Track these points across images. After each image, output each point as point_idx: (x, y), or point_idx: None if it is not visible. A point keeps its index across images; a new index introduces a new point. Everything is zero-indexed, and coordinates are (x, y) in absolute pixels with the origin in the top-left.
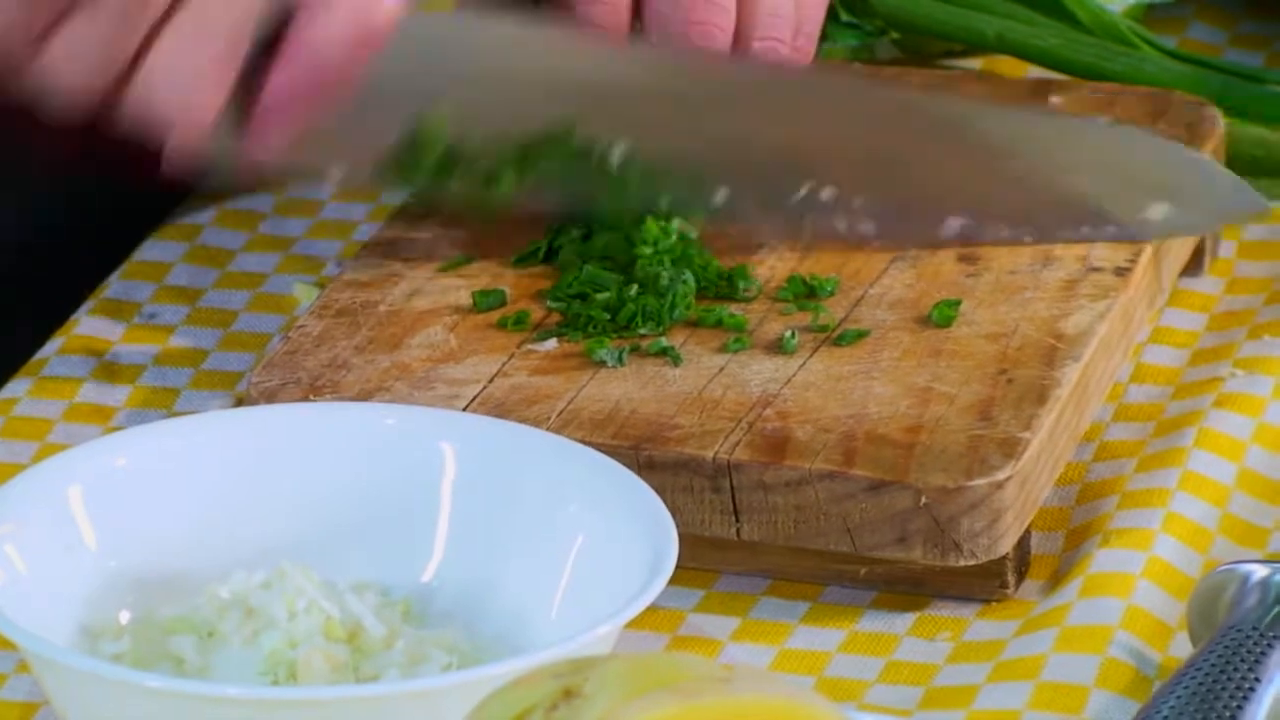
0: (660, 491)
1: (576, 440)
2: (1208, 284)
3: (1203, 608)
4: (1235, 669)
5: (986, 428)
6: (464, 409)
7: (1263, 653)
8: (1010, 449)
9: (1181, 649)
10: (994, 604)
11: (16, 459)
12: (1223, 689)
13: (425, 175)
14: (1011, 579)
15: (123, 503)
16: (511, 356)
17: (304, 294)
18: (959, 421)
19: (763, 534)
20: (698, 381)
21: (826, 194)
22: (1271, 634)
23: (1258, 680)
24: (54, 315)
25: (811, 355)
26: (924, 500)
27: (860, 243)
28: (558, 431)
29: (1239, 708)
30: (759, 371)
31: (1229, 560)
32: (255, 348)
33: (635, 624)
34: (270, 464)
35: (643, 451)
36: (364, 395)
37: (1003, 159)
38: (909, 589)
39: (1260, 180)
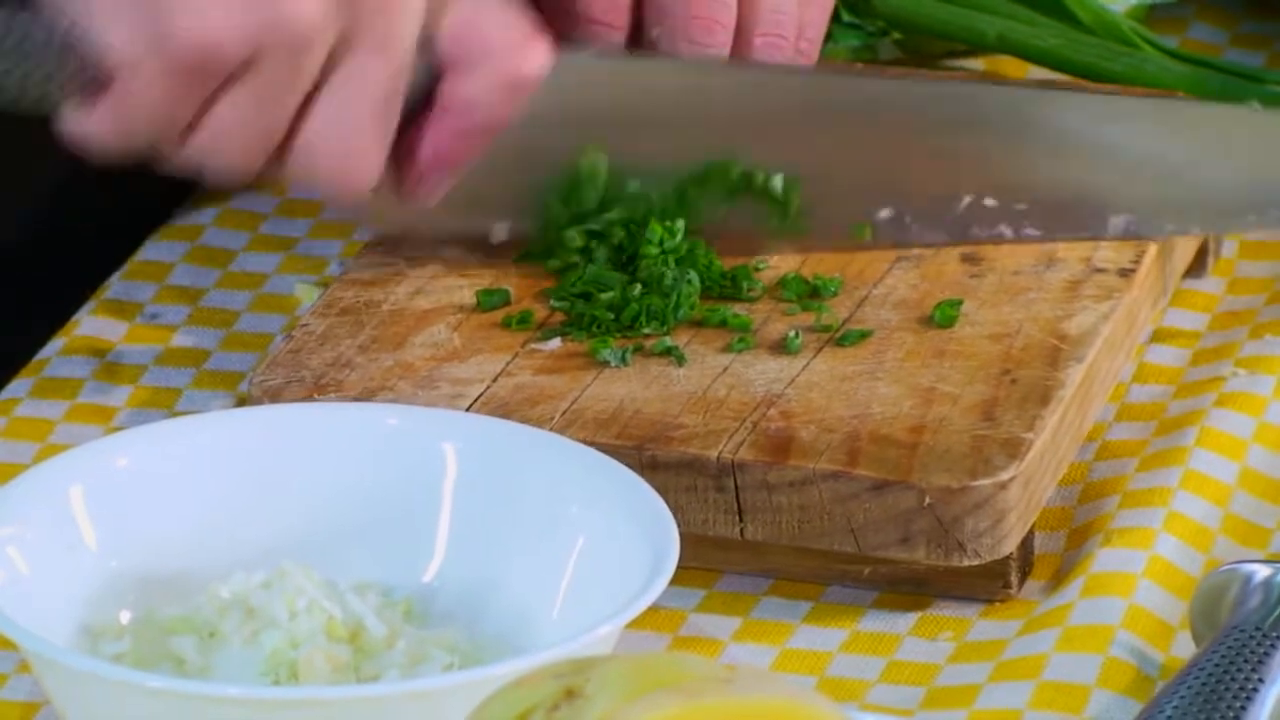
0: (664, 491)
1: (580, 440)
2: (1210, 284)
3: (1205, 608)
4: (1239, 669)
5: (990, 428)
6: (468, 408)
7: (1266, 653)
8: (1014, 449)
9: (1183, 649)
10: (996, 604)
11: (18, 459)
12: (1226, 689)
13: (586, 217)
14: (1015, 579)
15: (124, 503)
16: (515, 356)
17: (305, 294)
18: (962, 422)
19: (766, 534)
20: (702, 381)
21: (990, 202)
22: (1275, 634)
23: (1261, 681)
24: (55, 315)
25: (815, 355)
26: (928, 500)
27: (1024, 242)
28: (561, 431)
29: (1242, 708)
30: (763, 371)
31: (1231, 560)
32: (257, 348)
33: (636, 624)
34: (271, 464)
35: (646, 451)
36: (367, 394)
37: (1161, 148)
38: (912, 589)
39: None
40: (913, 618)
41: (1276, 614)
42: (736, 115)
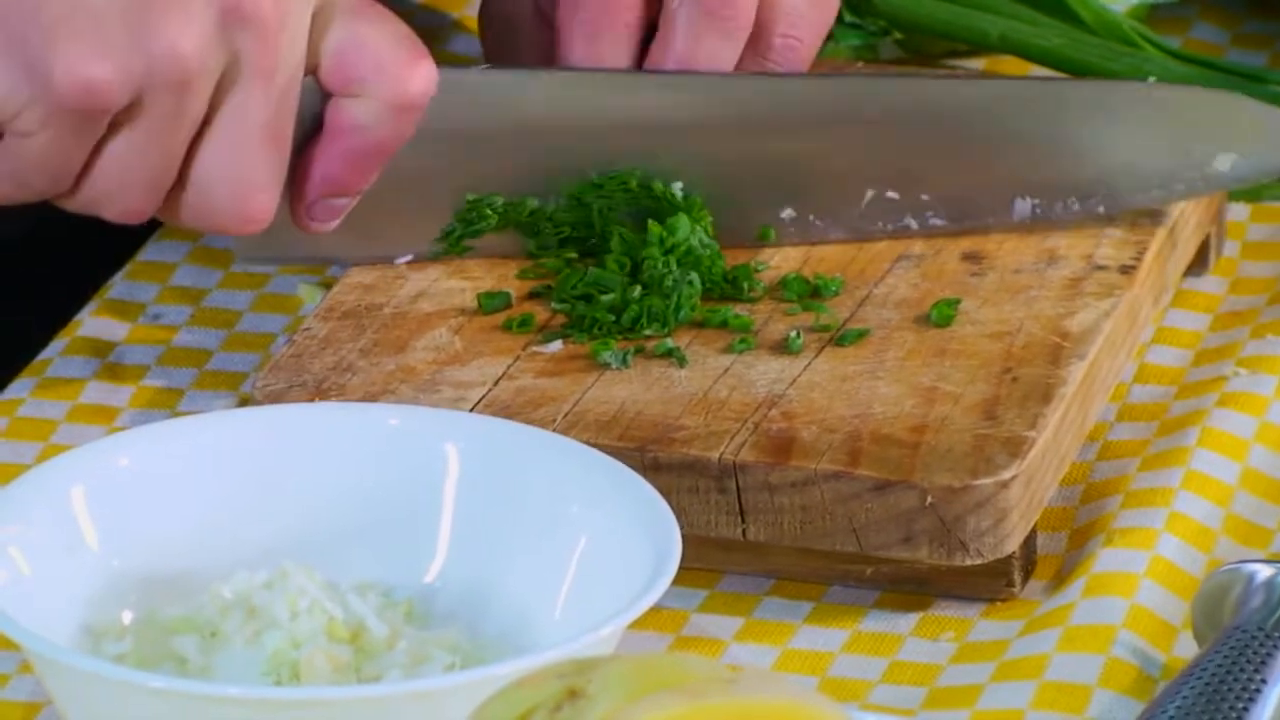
0: (666, 493)
1: (582, 442)
2: (1211, 284)
3: (1208, 608)
4: (1241, 670)
5: (992, 427)
6: (469, 411)
7: (1269, 653)
8: (1016, 448)
9: (1185, 649)
10: (997, 604)
11: (20, 459)
12: (1229, 690)
13: (488, 234)
14: (1018, 578)
15: (126, 503)
16: (517, 359)
17: (308, 294)
18: (964, 421)
19: (769, 534)
20: (703, 382)
21: (891, 194)
22: (1278, 635)
23: (1264, 681)
24: (58, 315)
25: (817, 356)
26: (929, 500)
27: (931, 234)
28: (563, 433)
29: (1245, 709)
30: (764, 372)
31: (1233, 560)
32: (259, 348)
33: (638, 624)
34: (274, 464)
35: (648, 453)
36: (369, 398)
37: (1060, 131)
38: (915, 589)
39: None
40: (914, 618)
41: (1279, 614)
42: (632, 125)
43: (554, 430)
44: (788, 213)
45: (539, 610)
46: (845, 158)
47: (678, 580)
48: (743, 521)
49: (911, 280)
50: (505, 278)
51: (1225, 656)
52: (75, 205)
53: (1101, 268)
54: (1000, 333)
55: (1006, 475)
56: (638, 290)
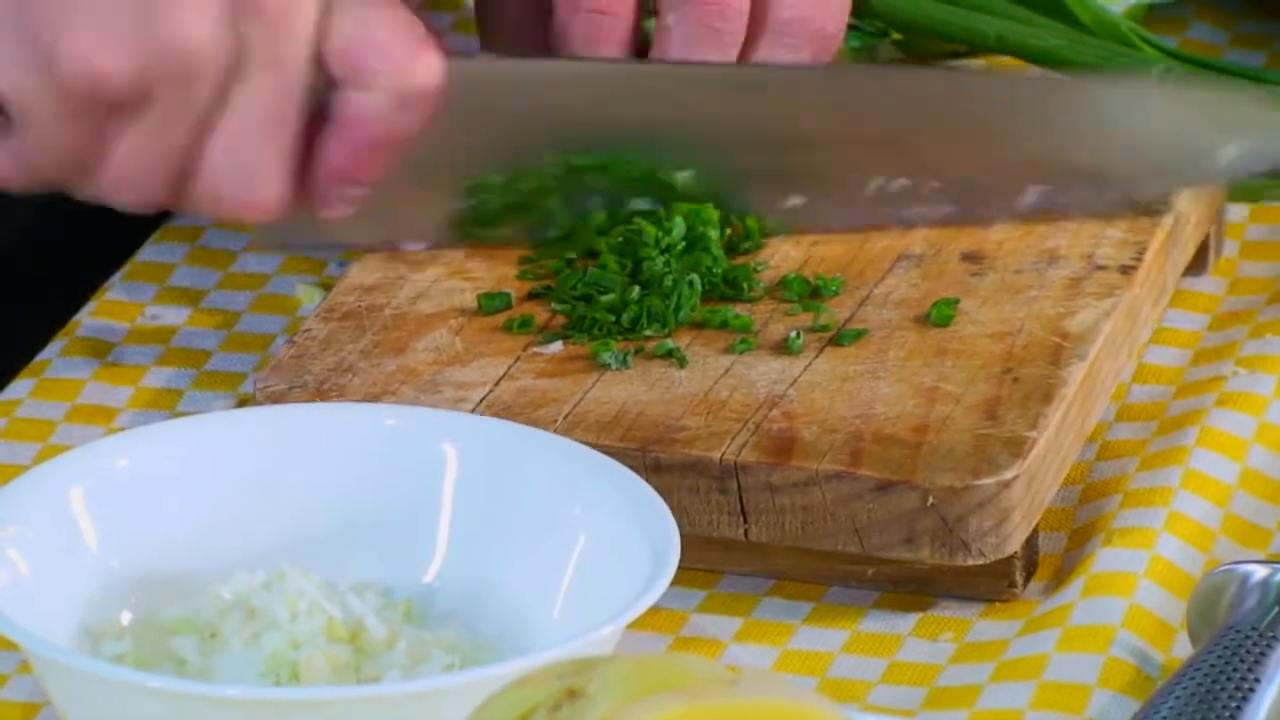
0: (667, 493)
1: (583, 443)
2: (1210, 284)
3: (1203, 608)
4: (1235, 669)
5: (993, 427)
6: (470, 412)
7: (1262, 653)
8: (1017, 448)
9: (1183, 649)
10: (996, 604)
11: (19, 460)
12: (1222, 689)
13: (496, 225)
14: (1019, 578)
15: (124, 503)
16: (517, 359)
17: (306, 295)
18: (965, 421)
19: (770, 535)
20: (704, 383)
21: (898, 185)
22: (1271, 634)
23: (1257, 681)
24: (56, 316)
25: (817, 356)
26: (931, 500)
27: (939, 223)
28: (564, 434)
29: (1238, 708)
30: (765, 373)
31: (1230, 560)
32: (258, 348)
33: (637, 624)
34: (272, 465)
35: (650, 453)
36: (370, 399)
37: (1070, 120)
38: (916, 589)
39: (1262, 180)
40: (914, 618)
41: (1273, 614)
42: (638, 114)
43: (555, 431)
44: (795, 201)
45: (538, 610)
46: (853, 145)
47: (676, 580)
48: (744, 522)
49: (911, 280)
50: (505, 278)
51: (1219, 656)
52: (88, 194)
53: (1102, 268)
54: (1001, 333)
55: (1008, 475)
56: (636, 291)
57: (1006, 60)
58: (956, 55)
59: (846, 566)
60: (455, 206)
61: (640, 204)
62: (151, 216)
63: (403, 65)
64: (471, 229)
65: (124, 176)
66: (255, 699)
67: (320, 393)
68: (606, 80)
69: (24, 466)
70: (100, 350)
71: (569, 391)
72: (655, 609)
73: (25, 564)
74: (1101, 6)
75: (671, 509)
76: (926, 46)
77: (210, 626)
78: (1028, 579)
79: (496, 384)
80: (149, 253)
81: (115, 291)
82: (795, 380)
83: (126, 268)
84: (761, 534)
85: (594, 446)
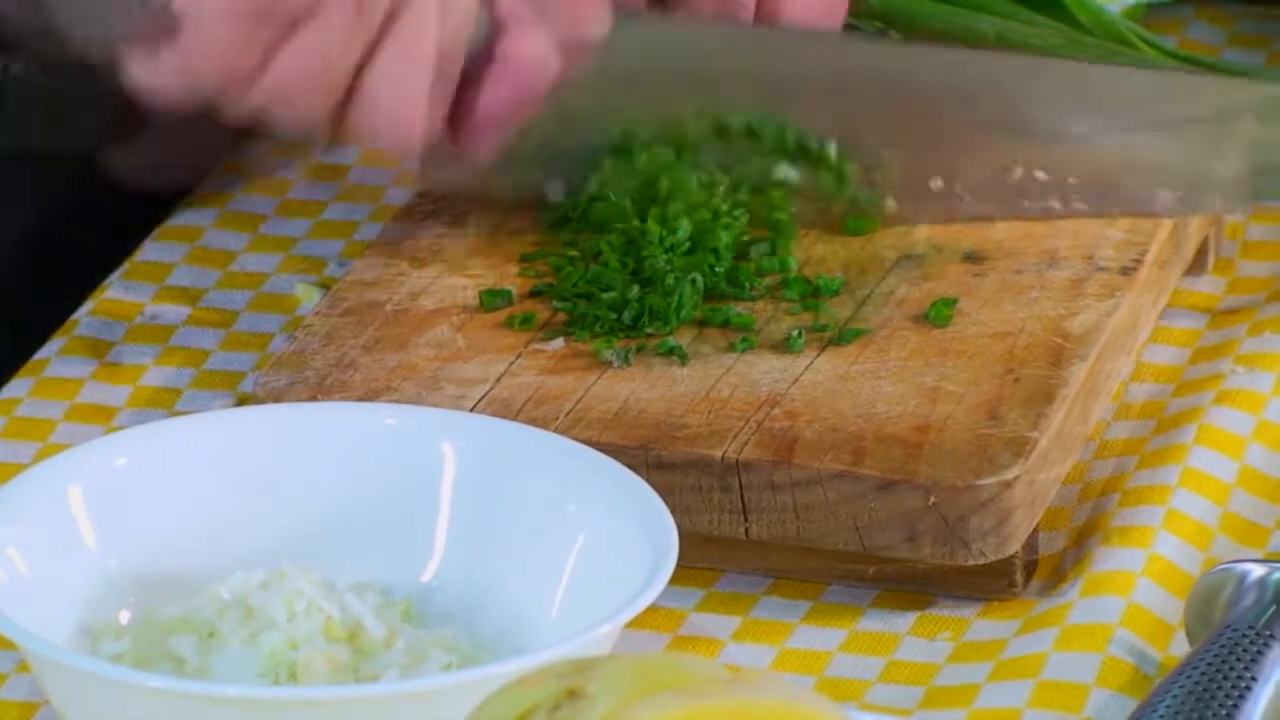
0: (669, 491)
1: (585, 440)
2: (1209, 283)
3: (1200, 607)
4: (1232, 668)
5: (995, 427)
6: (471, 409)
7: (1259, 652)
8: (1019, 448)
9: (1181, 647)
10: (994, 603)
11: (18, 459)
12: (1219, 688)
13: (637, 179)
14: (1020, 578)
15: (123, 502)
16: (519, 356)
17: (305, 294)
18: (967, 420)
19: (771, 533)
20: (705, 381)
21: (1040, 175)
22: (1268, 633)
23: (1254, 679)
24: (55, 315)
25: (818, 355)
26: (933, 499)
27: (1073, 216)
28: (566, 431)
29: (1235, 707)
30: (767, 371)
31: (1228, 559)
32: (257, 348)
33: (636, 623)
34: (271, 464)
35: (651, 451)
36: (371, 395)
37: (1213, 126)
38: (916, 588)
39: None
40: (912, 617)
41: (1270, 613)
42: (793, 83)
43: (556, 428)
44: (936, 184)
45: (536, 609)
46: (996, 134)
47: (675, 579)
48: (745, 520)
49: (912, 280)
50: (507, 275)
51: (1216, 655)
52: (242, 109)
53: (1102, 269)
54: (1002, 333)
55: (1010, 475)
56: (637, 289)
57: None
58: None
59: (847, 565)
60: (597, 160)
61: (783, 172)
62: (151, 216)
63: (571, 13)
64: (619, 182)
65: (283, 91)
66: (254, 698)
67: (321, 388)
68: (774, 48)
69: (23, 465)
70: (99, 349)
71: (570, 389)
72: (653, 608)
73: (24, 563)
74: (1100, 7)
75: (672, 507)
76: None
77: (208, 626)
78: (1028, 578)
79: (498, 380)
80: (148, 252)
81: (114, 291)
82: (797, 379)
83: (126, 267)
84: (762, 532)
85: (595, 444)
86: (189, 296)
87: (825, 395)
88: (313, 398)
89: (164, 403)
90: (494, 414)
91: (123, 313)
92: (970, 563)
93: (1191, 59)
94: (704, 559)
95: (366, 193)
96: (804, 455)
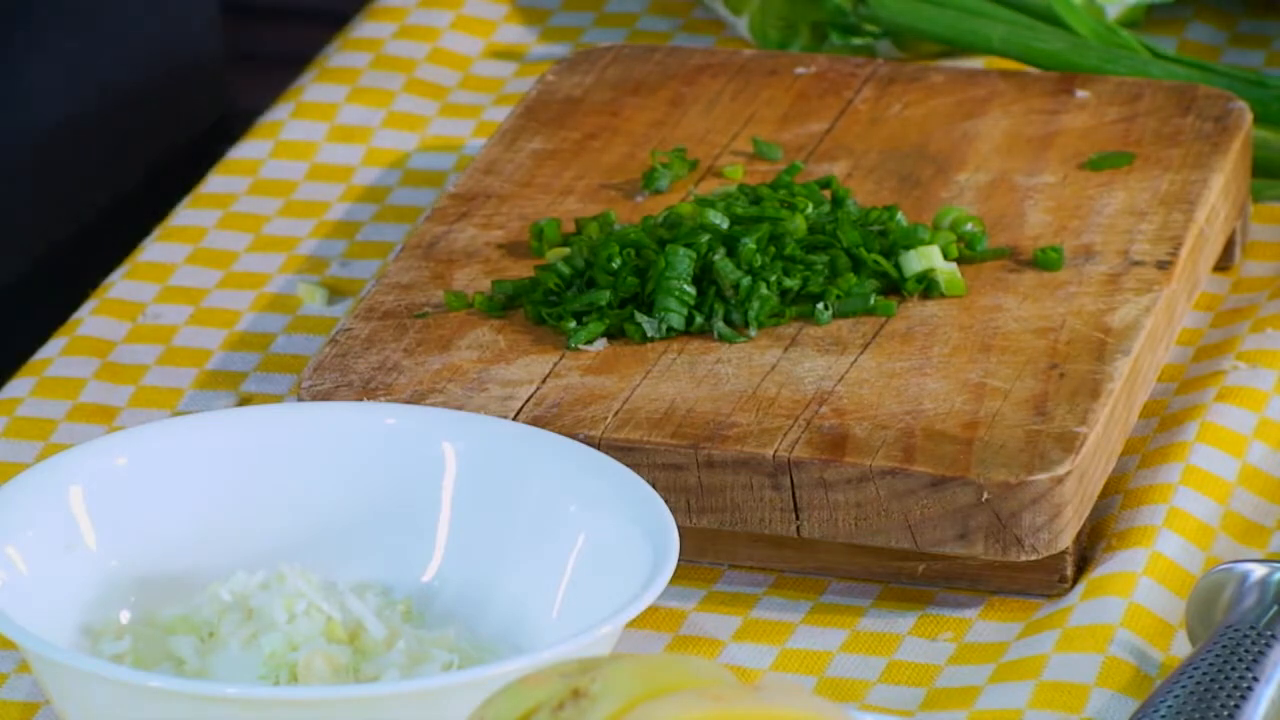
0: (720, 490)
1: (635, 440)
2: (1212, 283)
3: (1201, 607)
4: (1233, 668)
5: (1043, 422)
6: (518, 409)
7: (1261, 652)
8: (1068, 444)
9: (1182, 647)
10: (995, 604)
11: (20, 459)
12: (1220, 688)
13: None
14: (1070, 573)
15: (124, 503)
16: (562, 357)
17: (307, 294)
18: (1015, 416)
19: (823, 531)
20: (751, 379)
21: None
22: (1269, 633)
23: (1255, 679)
24: (57, 315)
25: (862, 351)
26: (986, 496)
27: None
28: (616, 432)
29: (1236, 707)
30: (811, 369)
31: (1229, 559)
32: (259, 348)
33: (636, 623)
34: (271, 464)
35: (702, 450)
36: (417, 397)
37: None
38: (967, 585)
39: (1261, 180)
40: (913, 618)
41: (1271, 613)
42: None
43: (605, 428)
44: None
45: (537, 609)
46: None
47: (675, 579)
48: (797, 518)
49: None
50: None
51: (1218, 655)
52: None
53: (1138, 263)
54: (1043, 329)
55: (1061, 471)
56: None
57: (1008, 63)
58: (953, 55)
59: (897, 563)
60: None
61: None
62: (155, 214)
63: None
64: None
65: None
66: (254, 698)
67: (367, 391)
68: None
69: (25, 465)
70: (101, 349)
71: (616, 389)
72: (654, 608)
73: (25, 563)
74: (1099, 16)
75: (723, 506)
76: (923, 46)
77: (209, 626)
78: (1079, 575)
79: (543, 381)
80: (150, 252)
81: (116, 291)
82: (842, 377)
83: (127, 267)
84: (814, 530)
85: (646, 444)
86: (191, 297)
87: (872, 393)
88: (358, 400)
89: (165, 403)
90: (542, 414)
91: (125, 313)
92: (1022, 558)
93: (1193, 64)
94: (753, 558)
95: (370, 193)
96: (855, 453)
